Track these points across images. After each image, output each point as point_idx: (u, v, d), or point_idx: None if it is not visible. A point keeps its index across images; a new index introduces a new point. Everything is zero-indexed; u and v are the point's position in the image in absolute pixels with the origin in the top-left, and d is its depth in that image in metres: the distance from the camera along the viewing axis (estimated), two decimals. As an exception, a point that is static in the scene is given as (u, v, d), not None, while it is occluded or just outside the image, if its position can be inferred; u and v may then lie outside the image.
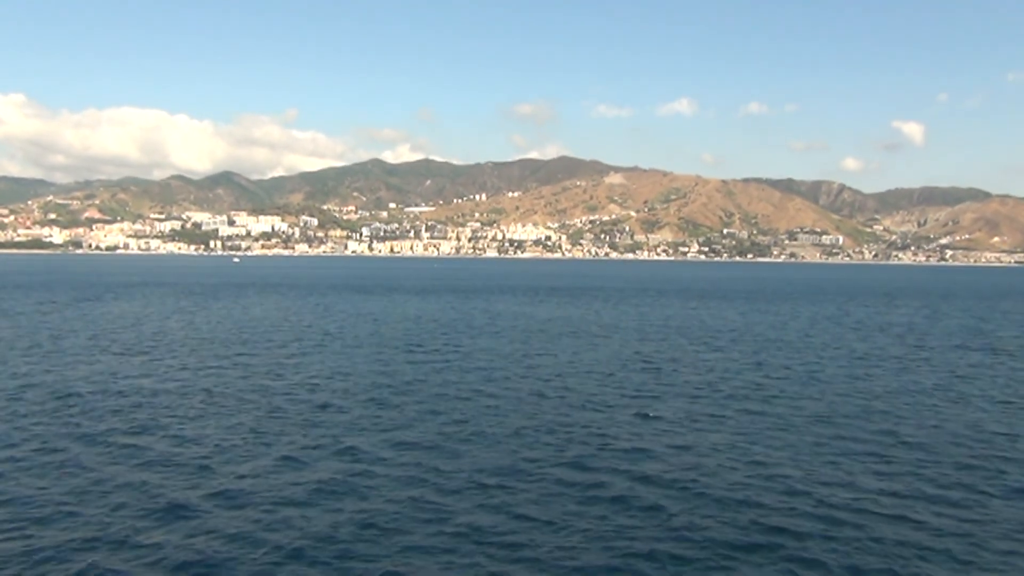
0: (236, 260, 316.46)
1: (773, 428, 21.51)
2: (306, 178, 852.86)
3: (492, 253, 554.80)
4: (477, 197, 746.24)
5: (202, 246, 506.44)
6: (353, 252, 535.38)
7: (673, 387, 27.76)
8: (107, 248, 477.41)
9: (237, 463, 17.31)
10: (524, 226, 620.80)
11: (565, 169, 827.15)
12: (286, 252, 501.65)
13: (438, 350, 37.10)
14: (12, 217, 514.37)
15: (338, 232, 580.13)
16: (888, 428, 21.63)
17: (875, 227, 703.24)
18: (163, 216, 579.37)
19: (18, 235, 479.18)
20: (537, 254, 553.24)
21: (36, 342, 38.22)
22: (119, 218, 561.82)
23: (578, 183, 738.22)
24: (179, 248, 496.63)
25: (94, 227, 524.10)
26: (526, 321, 54.13)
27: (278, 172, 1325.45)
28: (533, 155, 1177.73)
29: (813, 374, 31.51)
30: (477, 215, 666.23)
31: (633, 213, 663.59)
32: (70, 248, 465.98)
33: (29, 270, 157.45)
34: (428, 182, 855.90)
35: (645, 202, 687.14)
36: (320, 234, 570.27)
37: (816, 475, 17.04)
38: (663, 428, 21.27)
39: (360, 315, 57.46)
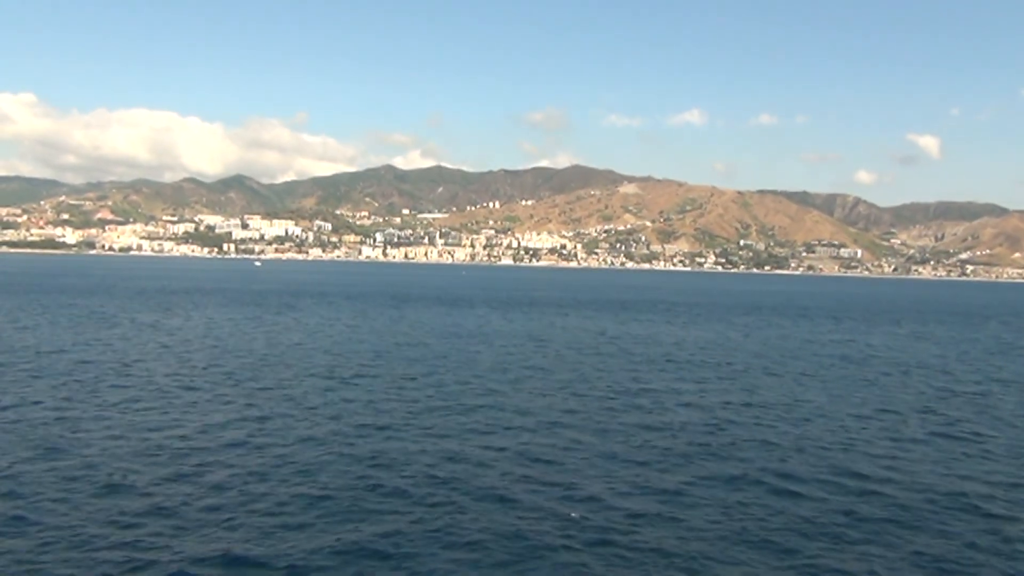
0: (257, 264, 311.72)
1: None
2: (318, 183, 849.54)
3: (507, 261, 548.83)
4: (490, 204, 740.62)
5: (215, 249, 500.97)
6: (367, 258, 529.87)
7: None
8: (120, 249, 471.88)
9: None
10: (539, 234, 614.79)
11: (579, 178, 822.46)
12: (300, 256, 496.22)
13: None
14: (25, 217, 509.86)
15: (351, 237, 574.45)
16: None
17: (892, 241, 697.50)
18: (176, 218, 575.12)
19: (31, 235, 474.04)
20: (553, 263, 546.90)
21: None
22: (131, 219, 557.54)
23: (592, 192, 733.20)
24: (192, 251, 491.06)
25: (107, 228, 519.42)
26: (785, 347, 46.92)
27: (289, 176, 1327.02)
28: (544, 163, 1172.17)
29: None
30: (491, 222, 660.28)
31: (648, 223, 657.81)
32: (83, 249, 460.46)
33: (90, 273, 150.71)
34: (440, 188, 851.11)
35: (660, 212, 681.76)
36: (334, 239, 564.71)
37: None
38: None
39: (578, 333, 51.02)
